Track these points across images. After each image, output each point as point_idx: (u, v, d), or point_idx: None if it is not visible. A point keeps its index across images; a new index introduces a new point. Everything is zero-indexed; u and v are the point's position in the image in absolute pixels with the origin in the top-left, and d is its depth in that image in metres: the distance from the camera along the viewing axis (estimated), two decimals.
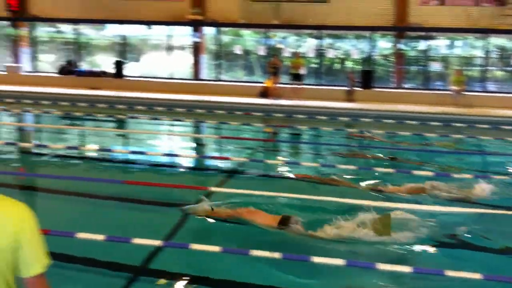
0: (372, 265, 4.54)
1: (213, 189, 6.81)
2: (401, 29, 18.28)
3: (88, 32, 21.30)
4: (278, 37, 19.81)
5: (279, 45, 19.76)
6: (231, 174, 7.94)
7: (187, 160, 9.39)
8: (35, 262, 1.85)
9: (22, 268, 1.84)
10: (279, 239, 5.17)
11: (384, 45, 19.60)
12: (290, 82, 17.47)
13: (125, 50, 20.60)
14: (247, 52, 20.33)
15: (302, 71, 17.49)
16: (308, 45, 19.76)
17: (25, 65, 20.59)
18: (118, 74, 19.37)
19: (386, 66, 19.58)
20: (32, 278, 1.85)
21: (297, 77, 17.36)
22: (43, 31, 21.51)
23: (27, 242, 1.83)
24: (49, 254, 1.90)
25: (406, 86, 18.80)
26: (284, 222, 5.23)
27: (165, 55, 20.31)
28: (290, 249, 4.83)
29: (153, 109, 14.75)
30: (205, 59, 20.02)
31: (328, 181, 7.31)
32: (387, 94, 17.65)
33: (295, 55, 18.13)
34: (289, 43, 19.86)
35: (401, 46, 18.68)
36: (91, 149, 10.10)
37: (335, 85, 18.55)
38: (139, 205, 6.32)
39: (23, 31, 20.77)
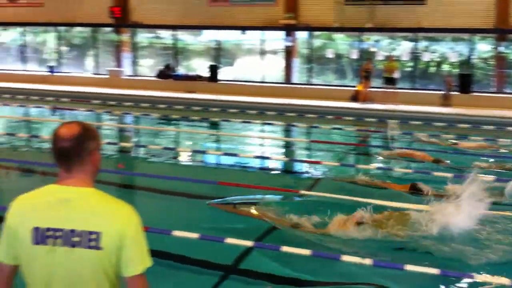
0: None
1: (303, 192, 6.86)
2: (503, 31, 17.38)
3: (185, 37, 22.08)
4: (371, 40, 19.51)
5: (372, 49, 19.45)
6: (320, 178, 7.94)
7: (277, 163, 9.50)
8: (138, 262, 1.94)
9: (124, 267, 1.93)
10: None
11: (483, 47, 18.71)
12: (383, 86, 17.14)
13: (219, 54, 21.14)
14: (339, 56, 20.19)
15: (396, 74, 17.10)
16: (403, 48, 19.29)
17: (126, 69, 21.66)
18: (213, 78, 19.91)
19: (486, 70, 18.68)
20: (133, 278, 1.94)
21: (390, 81, 17.01)
22: (143, 37, 22.57)
23: (131, 243, 1.92)
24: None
25: (507, 90, 17.84)
26: (296, 225, 5.55)
27: (258, 59, 20.63)
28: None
29: (245, 112, 15.03)
30: (296, 63, 20.12)
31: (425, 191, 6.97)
32: (486, 99, 16.84)
33: (389, 58, 17.76)
34: (383, 46, 19.48)
35: (502, 49, 17.76)
36: (186, 150, 10.48)
37: (430, 89, 17.98)
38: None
39: (125, 37, 21.90)
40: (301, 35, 20.15)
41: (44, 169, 8.06)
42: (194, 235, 5.08)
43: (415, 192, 6.68)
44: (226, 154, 9.82)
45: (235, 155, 9.56)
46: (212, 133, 12.82)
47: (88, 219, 1.90)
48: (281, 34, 19.89)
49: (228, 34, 21.09)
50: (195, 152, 10.16)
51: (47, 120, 14.05)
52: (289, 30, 19.47)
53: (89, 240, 1.89)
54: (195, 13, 20.24)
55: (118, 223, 1.92)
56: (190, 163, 9.55)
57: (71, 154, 1.95)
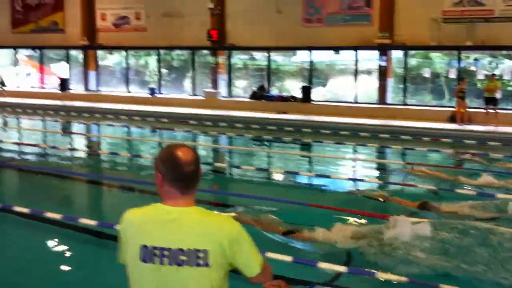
0: None
1: (399, 218, 6.70)
2: None
3: (278, 58, 22.42)
4: (470, 59, 18.78)
5: (471, 67, 18.70)
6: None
7: (371, 185, 9.34)
8: (254, 264, 2.12)
9: (244, 271, 2.12)
10: None
11: None
12: (484, 107, 16.41)
13: (312, 75, 21.23)
14: (435, 75, 19.59)
15: (498, 94, 16.33)
16: (505, 66, 18.38)
17: (222, 90, 22.29)
18: (306, 98, 20.01)
19: None
20: (255, 276, 2.14)
21: (491, 101, 16.25)
22: (238, 58, 23.18)
23: (241, 249, 2.08)
24: None
25: None
26: (288, 232, 6.07)
27: (351, 79, 20.48)
28: None
29: (338, 133, 14.95)
30: (391, 82, 19.76)
31: None
32: None
33: (490, 77, 16.99)
34: (483, 65, 18.68)
35: None
36: (278, 171, 10.59)
37: None
38: None
39: (221, 59, 22.60)
40: (396, 55, 19.80)
41: (143, 187, 8.47)
42: (287, 258, 5.13)
43: (424, 209, 7.09)
44: (318, 175, 9.80)
45: (327, 176, 9.52)
46: (304, 154, 12.86)
47: (195, 237, 2.01)
48: (375, 54, 19.65)
49: (321, 55, 21.15)
50: (287, 173, 10.23)
51: (148, 140, 14.75)
52: (384, 49, 19.20)
53: (197, 257, 2.00)
54: (289, 34, 20.51)
55: (223, 236, 2.02)
56: (282, 184, 9.63)
57: (193, 177, 2.08)
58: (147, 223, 2.06)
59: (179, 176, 2.06)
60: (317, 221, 6.36)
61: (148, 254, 2.01)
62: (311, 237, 5.91)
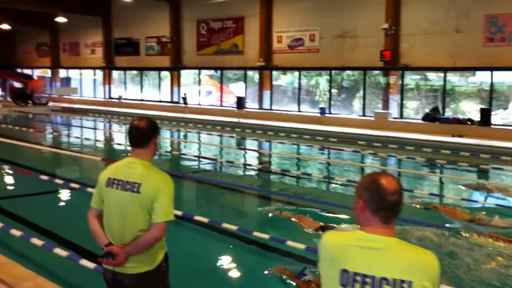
0: None
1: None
2: None
3: (454, 79, 21.38)
4: None
5: None
6: None
7: None
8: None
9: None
10: None
11: None
12: None
13: (492, 97, 19.87)
14: None
15: None
16: None
17: (393, 111, 21.86)
18: (484, 121, 18.78)
19: None
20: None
21: None
22: (410, 79, 22.57)
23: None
24: None
25: None
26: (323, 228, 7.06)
27: None
28: None
29: None
30: None
31: None
32: None
33: None
34: None
35: None
36: (452, 197, 10.08)
37: None
38: None
39: (392, 79, 22.19)
40: None
41: (311, 204, 8.64)
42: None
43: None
44: (498, 205, 9.16)
45: (508, 207, 8.86)
46: (480, 181, 12.06)
47: (401, 268, 2.01)
48: None
49: (503, 75, 19.71)
50: (462, 200, 9.71)
51: (316, 159, 15.00)
52: None
53: None
54: (468, 54, 19.50)
55: (431, 272, 2.02)
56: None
57: (396, 207, 2.11)
58: (349, 248, 2.08)
59: (383, 205, 2.09)
60: None
61: (349, 279, 2.05)
62: None
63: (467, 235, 6.92)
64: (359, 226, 2.16)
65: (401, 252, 2.05)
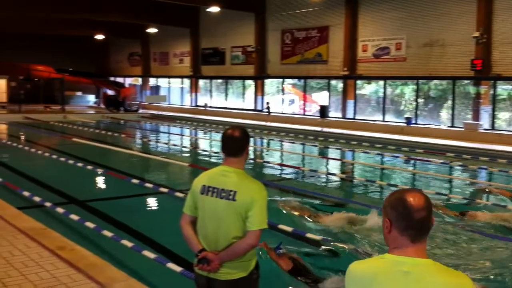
0: None
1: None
2: None
3: None
4: None
5: None
6: None
7: None
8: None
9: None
10: None
11: None
12: None
13: None
14: None
15: None
16: None
17: (483, 122, 20.95)
18: None
19: None
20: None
21: None
22: (502, 89, 21.55)
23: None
24: None
25: None
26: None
27: None
28: None
29: None
30: None
31: None
32: None
33: None
34: None
35: None
36: None
37: None
38: None
39: (483, 89, 21.28)
40: None
41: None
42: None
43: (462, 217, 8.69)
44: None
45: None
46: None
47: None
48: None
49: None
50: None
51: (401, 170, 14.65)
52: None
53: None
54: None
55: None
56: None
57: (423, 225, 1.99)
58: (377, 276, 1.96)
59: (410, 224, 1.97)
60: None
61: None
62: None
63: None
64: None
65: (435, 276, 1.91)
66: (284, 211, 8.77)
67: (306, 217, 8.42)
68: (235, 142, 3.32)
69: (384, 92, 25.30)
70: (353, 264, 2.06)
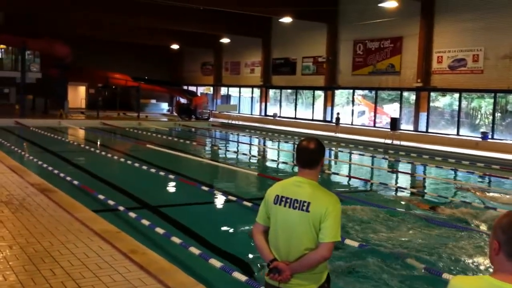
0: None
1: None
2: None
3: None
4: None
5: None
6: None
7: None
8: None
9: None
10: None
11: None
12: None
13: None
14: None
15: None
16: None
17: None
18: None
19: None
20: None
21: None
22: None
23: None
24: None
25: None
26: None
27: None
28: None
29: None
30: None
31: None
32: None
33: None
34: None
35: None
36: None
37: None
38: None
39: None
40: None
41: (473, 235, 8.18)
42: None
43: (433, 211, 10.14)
44: None
45: None
46: None
47: None
48: None
49: None
50: None
51: (476, 186, 14.12)
52: None
53: None
54: None
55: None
56: None
57: None
58: None
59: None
60: None
61: None
62: None
63: None
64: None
65: None
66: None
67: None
68: (310, 154, 3.31)
69: (459, 105, 24.48)
70: (456, 279, 2.01)
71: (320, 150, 3.34)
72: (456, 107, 24.74)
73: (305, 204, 3.18)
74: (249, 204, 9.58)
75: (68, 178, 11.55)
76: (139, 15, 29.81)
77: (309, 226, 3.17)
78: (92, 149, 18.80)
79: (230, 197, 10.59)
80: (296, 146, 3.41)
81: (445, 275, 6.05)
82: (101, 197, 9.80)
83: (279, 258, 3.27)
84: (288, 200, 3.24)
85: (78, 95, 42.55)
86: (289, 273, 3.19)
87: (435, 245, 7.79)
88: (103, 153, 17.66)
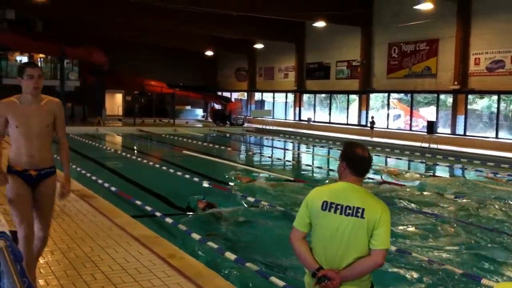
0: None
1: None
2: None
3: None
4: None
5: None
6: None
7: None
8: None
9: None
10: None
11: None
12: None
13: None
14: None
15: None
16: None
17: None
18: None
19: None
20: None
21: None
22: None
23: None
24: None
25: None
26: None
27: None
28: None
29: None
30: None
31: None
32: None
33: None
34: None
35: None
36: None
37: None
38: None
39: None
40: None
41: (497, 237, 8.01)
42: None
43: None
44: None
45: None
46: None
47: None
48: None
49: None
50: None
51: None
52: None
53: None
54: None
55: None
56: None
57: None
58: None
59: None
60: None
61: None
62: None
63: None
64: None
65: None
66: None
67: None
68: (367, 163, 3.31)
69: (498, 107, 23.96)
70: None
71: (371, 158, 3.36)
72: (494, 110, 24.24)
73: (359, 210, 3.15)
74: (281, 209, 9.61)
75: (106, 184, 11.78)
76: (176, 20, 30.11)
77: (362, 232, 3.14)
78: (129, 155, 19.10)
79: (263, 203, 10.60)
80: (346, 153, 3.34)
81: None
82: (138, 202, 9.96)
83: (326, 266, 3.21)
84: (339, 207, 3.19)
85: (115, 102, 43.32)
86: (339, 282, 3.15)
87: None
88: (139, 159, 17.93)
